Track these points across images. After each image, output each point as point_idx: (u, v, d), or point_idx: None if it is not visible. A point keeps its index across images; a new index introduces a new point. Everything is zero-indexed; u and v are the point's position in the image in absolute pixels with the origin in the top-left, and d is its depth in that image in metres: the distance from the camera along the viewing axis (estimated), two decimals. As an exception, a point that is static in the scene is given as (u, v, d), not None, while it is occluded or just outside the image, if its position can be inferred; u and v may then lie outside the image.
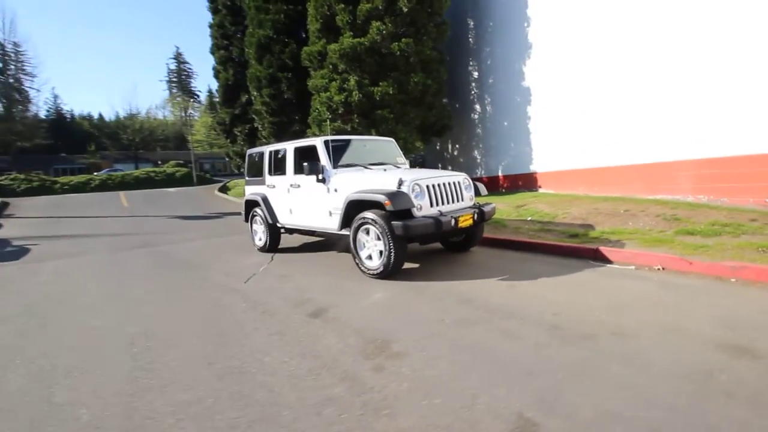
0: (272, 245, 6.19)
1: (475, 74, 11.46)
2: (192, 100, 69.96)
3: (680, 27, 6.07)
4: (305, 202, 5.38)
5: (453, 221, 4.16)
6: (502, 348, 2.50)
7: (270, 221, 6.07)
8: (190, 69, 69.18)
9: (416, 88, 9.81)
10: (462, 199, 4.72)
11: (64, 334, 3.26)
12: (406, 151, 9.73)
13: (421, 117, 10.21)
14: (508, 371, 2.21)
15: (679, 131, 6.06)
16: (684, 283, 3.44)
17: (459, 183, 4.75)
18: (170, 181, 24.25)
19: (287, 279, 4.59)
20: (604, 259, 4.28)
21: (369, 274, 4.32)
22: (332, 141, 5.24)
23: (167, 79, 69.34)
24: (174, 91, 72.30)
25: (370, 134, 9.58)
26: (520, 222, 6.48)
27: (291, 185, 5.59)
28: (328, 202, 4.99)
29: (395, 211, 4.10)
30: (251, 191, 6.57)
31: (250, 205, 6.56)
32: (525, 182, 9.73)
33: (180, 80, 74.72)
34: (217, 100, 17.09)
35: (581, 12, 7.68)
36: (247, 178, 6.84)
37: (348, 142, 5.54)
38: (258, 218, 6.37)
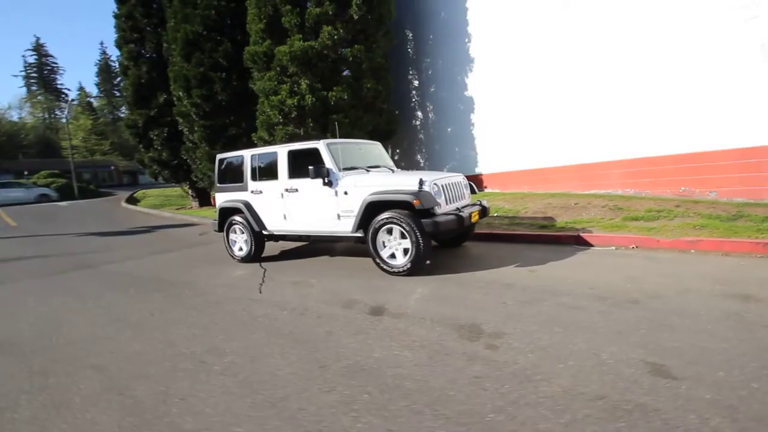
0: (256, 254, 5.90)
1: (416, 83, 12.16)
2: (59, 99, 60.05)
3: (603, 49, 7.40)
4: (306, 206, 5.28)
5: (469, 217, 4.55)
6: (577, 318, 2.93)
7: (256, 229, 5.78)
8: (54, 63, 59.26)
9: (369, 93, 10.09)
10: (465, 197, 5.16)
11: (163, 375, 2.81)
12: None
13: (373, 122, 10.51)
14: (601, 333, 2.64)
15: (609, 136, 7.37)
16: (661, 257, 4.32)
17: (461, 182, 5.18)
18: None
19: (307, 285, 4.48)
20: (586, 244, 5.08)
21: (393, 272, 4.47)
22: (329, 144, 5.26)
23: (24, 73, 58.58)
24: (34, 88, 61.25)
25: (326, 138, 9.57)
26: (489, 218, 7.18)
27: (286, 190, 5.42)
28: (336, 205, 4.99)
29: (419, 210, 4.36)
30: (227, 198, 6.15)
31: (227, 213, 6.14)
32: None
33: (42, 76, 63.63)
34: (125, 98, 15.09)
35: (519, 30, 8.77)
36: (218, 185, 6.37)
37: (343, 145, 5.59)
38: (238, 227, 6.00)
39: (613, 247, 4.80)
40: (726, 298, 3.04)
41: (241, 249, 6.05)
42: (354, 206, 4.85)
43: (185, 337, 3.20)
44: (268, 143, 10.34)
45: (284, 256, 6.22)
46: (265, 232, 5.83)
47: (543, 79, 8.40)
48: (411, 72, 12.26)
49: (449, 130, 11.13)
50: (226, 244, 6.18)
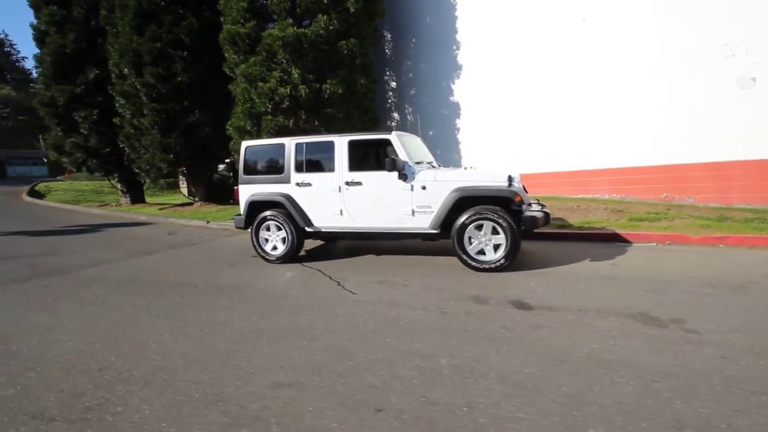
0: (294, 254, 5.34)
1: (393, 84, 12.17)
2: None
3: (594, 65, 8.29)
4: (371, 201, 4.94)
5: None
6: (715, 302, 3.25)
7: (301, 225, 5.24)
8: None
9: (361, 90, 9.81)
10: (525, 196, 5.34)
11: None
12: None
13: (362, 120, 10.23)
14: (752, 311, 2.98)
15: (597, 146, 8.26)
16: (705, 251, 4.98)
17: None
18: None
19: (398, 284, 4.18)
20: (624, 241, 5.63)
21: (482, 268, 4.41)
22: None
23: None
24: None
25: (320, 132, 9.07)
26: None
27: (347, 183, 5.00)
28: (411, 200, 4.77)
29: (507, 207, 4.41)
30: (259, 191, 5.45)
31: (259, 207, 5.44)
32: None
33: None
34: (41, 72, 12.37)
35: (510, 40, 9.33)
36: (243, 176, 5.61)
37: (408, 137, 5.38)
38: (273, 223, 5.35)
39: (654, 244, 5.41)
40: (806, 282, 3.66)
41: (275, 248, 5.41)
42: (433, 202, 4.69)
43: (367, 345, 2.78)
44: (249, 134, 9.41)
45: (315, 256, 5.69)
46: (309, 230, 5.30)
47: (533, 89, 9.07)
48: (388, 73, 12.24)
49: (431, 133, 11.35)
50: (255, 243, 5.46)
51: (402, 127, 12.07)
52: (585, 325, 2.93)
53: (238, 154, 9.73)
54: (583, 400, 1.99)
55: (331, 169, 5.10)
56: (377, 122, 11.10)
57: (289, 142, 5.33)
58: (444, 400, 2.03)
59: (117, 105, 11.29)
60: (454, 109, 10.70)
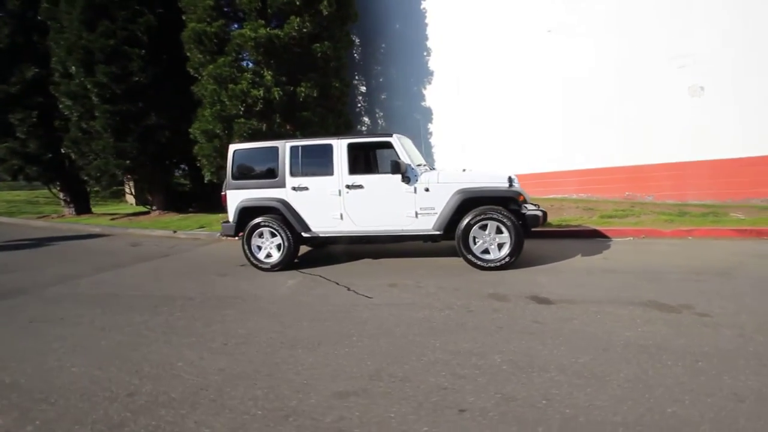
0: (290, 261, 5.16)
1: (363, 88, 12.18)
2: None
3: (561, 75, 8.83)
4: (373, 204, 4.89)
5: (545, 214, 4.96)
6: (710, 288, 3.58)
7: (298, 230, 5.07)
8: None
9: (336, 93, 9.71)
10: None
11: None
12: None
13: (336, 123, 10.11)
14: (744, 295, 3.32)
15: (564, 149, 8.79)
16: (679, 243, 5.45)
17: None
18: None
19: (412, 286, 4.16)
20: (604, 236, 6.02)
21: (487, 266, 4.51)
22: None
23: None
24: None
25: (296, 137, 8.84)
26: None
27: (347, 186, 4.91)
28: (414, 202, 4.78)
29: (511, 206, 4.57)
30: (250, 196, 5.20)
31: (251, 213, 5.19)
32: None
33: None
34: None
35: (481, 48, 9.70)
36: (232, 181, 5.33)
37: (406, 139, 5.39)
38: (267, 230, 5.12)
39: (631, 238, 5.84)
40: (774, 266, 4.13)
41: (269, 255, 5.18)
42: (436, 203, 4.74)
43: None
44: (218, 138, 8.98)
45: (309, 263, 5.51)
46: (305, 235, 5.14)
47: (504, 95, 9.48)
48: (357, 77, 12.22)
49: (403, 137, 11.47)
50: (247, 251, 5.18)
51: (373, 131, 12.09)
52: (608, 315, 3.10)
53: (207, 159, 9.38)
54: (647, 384, 2.10)
55: (330, 173, 4.99)
56: (350, 126, 11.03)
57: (284, 145, 5.15)
58: (520, 395, 2.05)
59: (61, 106, 10.26)
60: (426, 114, 10.91)
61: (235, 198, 5.26)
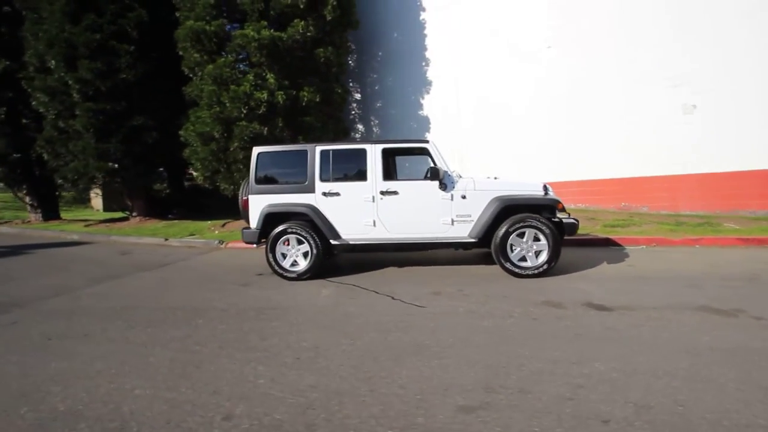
0: (319, 269, 4.95)
1: (357, 96, 12.10)
2: None
3: (563, 90, 9.16)
4: (409, 211, 4.80)
5: (575, 222, 5.06)
6: (748, 293, 3.75)
7: (328, 237, 4.88)
8: None
9: (338, 98, 9.59)
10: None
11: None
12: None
13: (335, 129, 9.95)
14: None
15: (563, 161, 9.08)
16: (690, 251, 5.72)
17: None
18: None
19: (456, 294, 4.08)
20: (616, 245, 6.22)
21: (524, 274, 4.53)
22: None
23: None
24: None
25: (298, 142, 8.62)
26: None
27: (381, 192, 4.80)
28: (451, 209, 4.74)
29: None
30: (276, 201, 4.96)
31: (277, 219, 4.94)
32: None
33: None
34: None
35: (483, 61, 9.92)
36: (255, 185, 5.06)
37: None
38: (294, 237, 4.90)
39: (643, 246, 6.07)
40: (792, 273, 4.41)
41: (295, 264, 4.95)
42: (473, 210, 4.73)
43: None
44: (216, 141, 8.59)
45: (333, 272, 5.29)
46: (335, 242, 4.96)
47: (504, 106, 9.70)
48: (351, 84, 12.14)
49: (399, 145, 11.46)
50: (271, 259, 4.92)
51: (367, 138, 12.00)
52: (673, 321, 3.16)
53: (202, 163, 8.92)
54: (761, 385, 2.14)
55: (363, 178, 4.86)
56: (347, 133, 10.92)
57: (314, 149, 4.97)
58: (651, 403, 2.02)
59: (35, 103, 9.48)
60: (424, 123, 10.97)
61: (259, 203, 4.99)
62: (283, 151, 5.20)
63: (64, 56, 8.77)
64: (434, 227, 4.79)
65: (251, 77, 8.29)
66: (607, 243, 6.31)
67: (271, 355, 2.80)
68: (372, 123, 11.96)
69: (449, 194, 4.74)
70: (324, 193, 4.90)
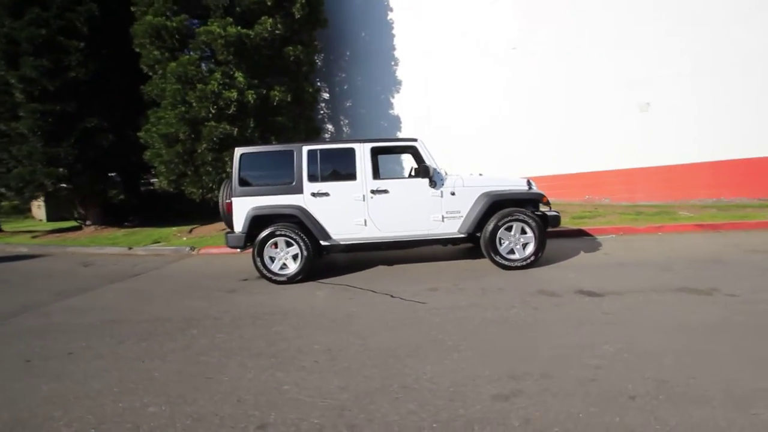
0: (309, 271, 4.85)
1: (326, 95, 11.94)
2: None
3: (530, 88, 9.55)
4: (400, 209, 4.81)
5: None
6: (714, 273, 4.11)
7: (318, 238, 4.80)
8: None
9: (309, 98, 9.42)
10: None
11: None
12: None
13: (306, 129, 9.77)
14: (748, 277, 3.88)
15: (528, 156, 9.48)
16: (650, 238, 6.15)
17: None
18: None
19: (453, 289, 4.16)
20: (588, 234, 6.59)
21: (512, 266, 4.69)
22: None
23: None
24: None
25: (271, 142, 8.39)
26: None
27: (372, 191, 4.78)
28: (442, 206, 4.81)
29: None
30: (262, 204, 4.79)
31: (264, 222, 4.78)
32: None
33: None
34: None
35: (451, 61, 10.12)
36: (239, 188, 4.86)
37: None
38: (283, 239, 4.76)
39: (612, 235, 6.47)
40: (745, 254, 4.87)
41: (284, 267, 4.81)
42: (462, 207, 4.82)
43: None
44: (182, 142, 8.17)
45: (322, 273, 5.20)
46: (324, 243, 4.89)
47: (470, 104, 9.96)
48: (320, 84, 11.96)
49: (370, 145, 11.46)
50: (259, 263, 4.75)
51: (338, 137, 11.90)
52: (659, 303, 3.41)
53: (166, 166, 8.44)
54: (753, 355, 2.36)
55: (353, 178, 4.82)
56: (318, 133, 10.76)
57: (301, 149, 4.86)
58: (666, 377, 2.16)
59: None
60: (395, 122, 11.04)
61: (244, 206, 4.80)
62: (267, 151, 5.06)
63: (5, 53, 7.98)
64: (425, 224, 4.84)
65: (219, 75, 7.95)
66: (580, 233, 6.67)
67: (285, 361, 2.72)
68: (342, 123, 11.86)
69: (439, 191, 4.82)
70: (313, 194, 4.81)
